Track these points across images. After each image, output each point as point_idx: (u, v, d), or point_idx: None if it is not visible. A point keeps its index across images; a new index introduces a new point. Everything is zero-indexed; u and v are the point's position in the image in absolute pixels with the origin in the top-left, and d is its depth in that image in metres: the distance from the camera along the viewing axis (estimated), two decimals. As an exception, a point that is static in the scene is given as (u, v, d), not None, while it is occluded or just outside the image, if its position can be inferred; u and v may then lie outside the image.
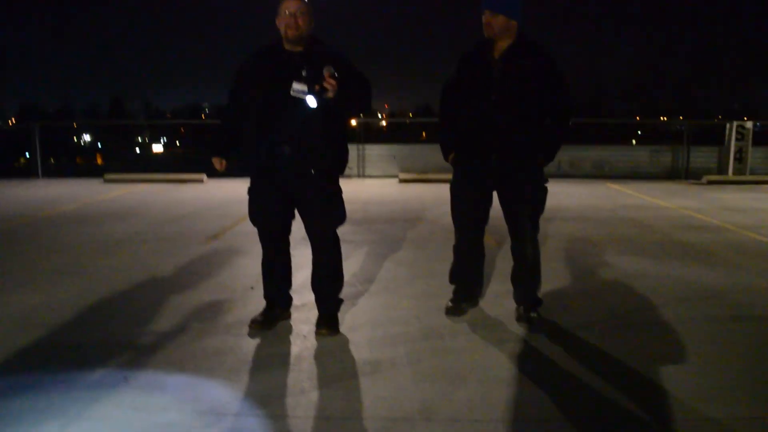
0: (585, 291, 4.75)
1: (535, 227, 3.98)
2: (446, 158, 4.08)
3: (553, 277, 4.93)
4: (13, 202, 9.70)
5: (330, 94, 3.36)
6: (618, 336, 3.83)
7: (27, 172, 14.33)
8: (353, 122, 13.36)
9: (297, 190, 3.68)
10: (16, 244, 6.53)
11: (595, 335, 3.81)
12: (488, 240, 4.40)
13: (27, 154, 16.57)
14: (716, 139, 13.68)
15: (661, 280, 5.00)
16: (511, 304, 4.16)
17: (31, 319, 4.08)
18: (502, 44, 3.81)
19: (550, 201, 4.02)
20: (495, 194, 3.98)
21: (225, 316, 4.15)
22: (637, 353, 3.54)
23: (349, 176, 12.70)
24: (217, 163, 3.93)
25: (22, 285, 4.89)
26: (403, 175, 12.43)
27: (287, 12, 3.54)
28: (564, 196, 9.76)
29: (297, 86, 3.42)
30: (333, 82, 3.34)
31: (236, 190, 10.23)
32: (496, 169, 3.85)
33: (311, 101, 3.41)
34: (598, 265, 5.47)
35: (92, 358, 3.45)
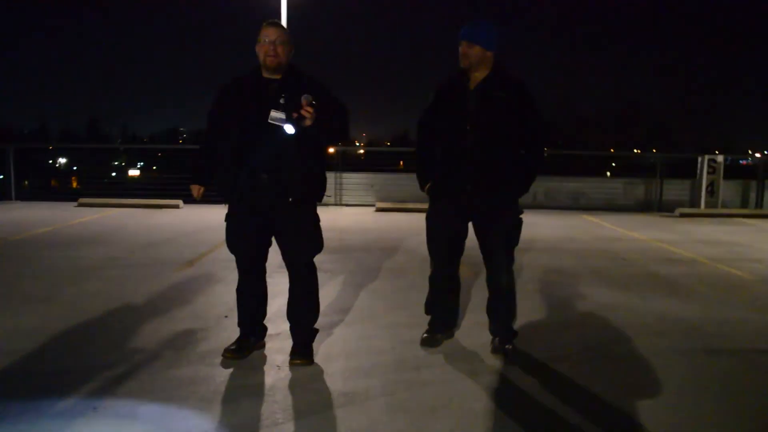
0: (560, 322, 4.78)
1: (510, 258, 4.01)
2: (422, 188, 4.11)
3: (528, 309, 4.95)
4: (-16, 225, 9.54)
5: (308, 122, 3.39)
6: (593, 368, 3.84)
7: (-1, 195, 14.15)
8: (331, 150, 13.39)
9: (275, 218, 3.67)
10: (-14, 268, 6.41)
11: (569, 367, 3.82)
12: (464, 270, 4.41)
13: (0, 176, 16.36)
14: (689, 172, 13.90)
15: (636, 313, 5.04)
16: (486, 336, 4.16)
17: (3, 346, 4.00)
18: (478, 75, 3.87)
19: (526, 232, 4.06)
20: (471, 225, 4.01)
21: (199, 344, 4.10)
22: (611, 385, 3.55)
23: (327, 204, 12.70)
24: (195, 191, 3.91)
25: (-9, 310, 4.80)
26: (380, 204, 12.45)
27: (267, 40, 3.57)
28: (540, 227, 9.84)
29: (275, 114, 3.45)
30: (310, 109, 3.37)
31: (212, 217, 10.18)
32: (471, 199, 3.88)
33: (289, 129, 3.43)
34: (574, 297, 5.50)
35: (62, 386, 3.39)
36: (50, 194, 15.24)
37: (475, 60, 3.83)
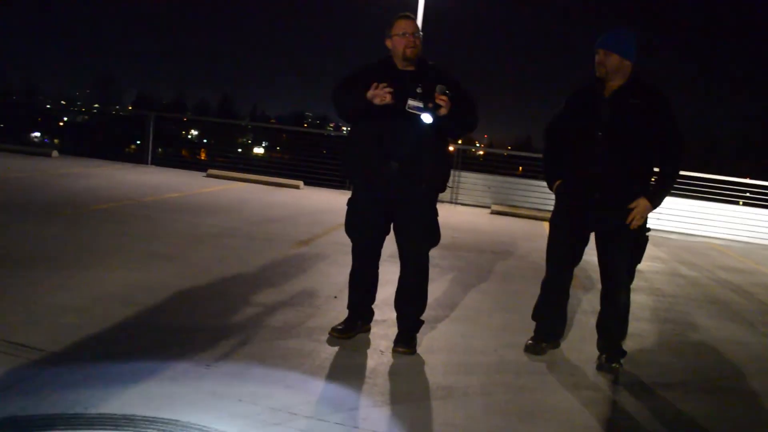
0: (672, 349, 4.59)
1: (630, 275, 3.89)
2: (550, 187, 4.05)
3: (639, 330, 4.79)
4: (122, 184, 10.24)
5: (443, 111, 3.45)
6: (701, 399, 3.68)
7: (137, 158, 15.09)
8: (450, 148, 13.39)
9: (398, 207, 3.75)
10: (121, 224, 6.89)
11: (677, 396, 3.68)
12: (576, 282, 4.32)
13: (138, 141, 17.45)
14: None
15: (754, 349, 4.77)
16: (593, 351, 4.07)
17: (128, 298, 4.31)
18: (614, 84, 3.78)
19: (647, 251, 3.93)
20: (593, 236, 3.93)
21: (308, 320, 4.25)
22: (718, 420, 3.40)
23: (442, 201, 12.72)
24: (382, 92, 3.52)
25: (122, 264, 5.17)
26: (495, 207, 12.35)
27: (406, 32, 3.66)
28: (659, 249, 9.45)
29: (412, 102, 3.51)
30: (444, 98, 3.43)
31: (330, 200, 10.45)
32: (597, 208, 3.80)
33: (426, 118, 3.49)
34: (689, 325, 5.26)
35: (179, 341, 3.63)
36: (180, 163, 16.07)
37: (612, 69, 3.73)
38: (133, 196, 8.99)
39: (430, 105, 3.46)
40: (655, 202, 3.75)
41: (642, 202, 3.72)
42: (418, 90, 3.57)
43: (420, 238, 3.82)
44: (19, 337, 3.42)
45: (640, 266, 3.97)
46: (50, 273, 4.68)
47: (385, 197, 3.74)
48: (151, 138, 14.39)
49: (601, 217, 3.82)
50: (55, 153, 13.61)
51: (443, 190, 3.85)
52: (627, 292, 3.91)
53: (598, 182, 3.77)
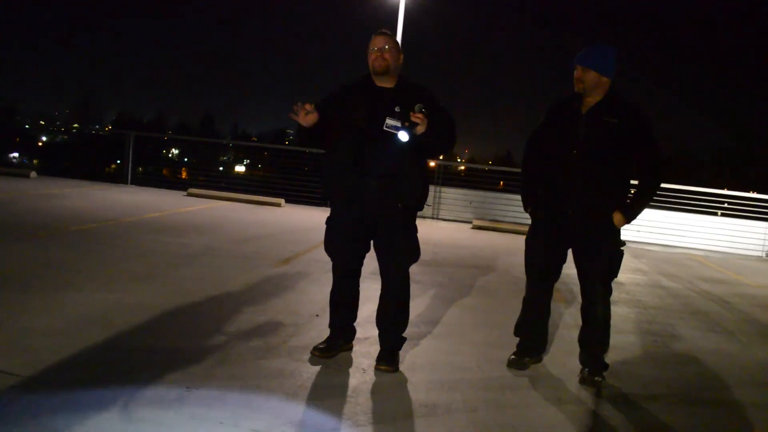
0: (654, 361, 4.60)
1: (608, 289, 3.90)
2: (526, 209, 4.07)
3: (621, 342, 4.80)
4: (101, 205, 10.15)
5: (420, 129, 3.46)
6: (684, 411, 3.69)
7: (117, 178, 14.98)
8: (432, 163, 13.41)
9: (377, 224, 3.74)
10: (99, 244, 6.81)
11: (661, 408, 3.68)
12: (557, 296, 4.33)
13: (119, 161, 17.34)
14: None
15: (736, 360, 4.79)
16: (575, 365, 4.07)
17: (106, 319, 4.24)
18: (591, 100, 3.81)
19: (625, 263, 3.94)
20: (570, 251, 3.94)
21: (289, 339, 4.21)
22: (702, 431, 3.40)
23: (423, 217, 12.73)
24: (303, 113, 3.54)
25: (100, 285, 5.11)
26: (476, 222, 12.38)
27: (375, 48, 3.70)
28: (639, 261, 9.51)
29: (390, 121, 3.52)
30: (421, 116, 3.44)
31: (311, 217, 10.43)
32: (572, 224, 3.82)
33: (403, 136, 3.51)
34: (671, 337, 5.29)
35: (159, 363, 3.57)
36: (161, 182, 15.98)
37: (590, 85, 3.76)
38: (112, 217, 8.90)
39: (407, 123, 3.48)
40: (630, 216, 3.78)
41: (616, 216, 3.74)
42: (396, 109, 3.57)
43: (400, 255, 3.81)
44: (-7, 363, 3.35)
45: (621, 279, 3.99)
46: (26, 295, 4.61)
47: (364, 215, 3.73)
48: (131, 157, 14.30)
49: (575, 234, 3.85)
50: (33, 174, 13.47)
51: (421, 208, 3.84)
52: (605, 305, 3.91)
53: (573, 198, 3.78)
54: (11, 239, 6.65)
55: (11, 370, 3.28)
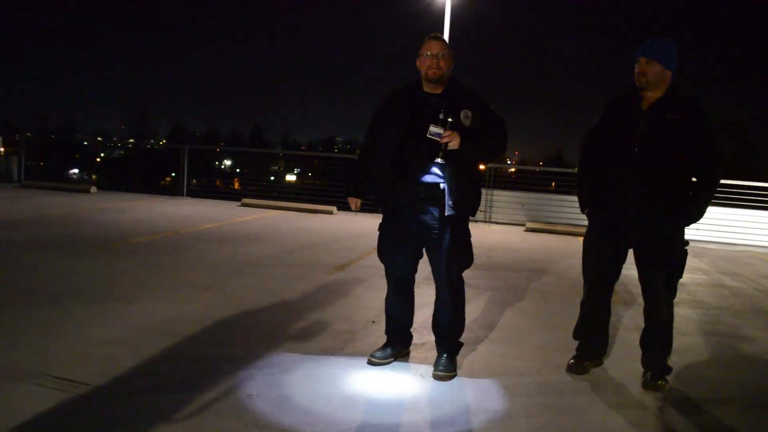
0: (720, 363, 4.46)
1: (672, 291, 3.80)
2: (582, 210, 4.00)
3: (685, 344, 4.68)
4: (159, 217, 10.40)
5: (453, 145, 3.48)
6: (752, 416, 3.57)
7: (172, 190, 15.34)
8: (482, 167, 13.32)
9: (428, 231, 3.73)
10: (160, 256, 6.99)
11: (728, 413, 3.57)
12: (617, 298, 4.25)
13: (173, 173, 17.77)
14: None
15: (807, 362, 4.62)
16: (637, 368, 3.98)
17: (168, 329, 4.35)
18: (652, 95, 3.71)
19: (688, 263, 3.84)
20: (631, 252, 3.86)
21: (346, 346, 4.24)
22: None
23: (475, 221, 12.66)
24: (353, 204, 4.06)
25: (162, 295, 5.23)
26: (530, 224, 12.24)
27: (429, 53, 3.65)
28: (700, 260, 9.26)
29: (434, 129, 3.51)
30: (451, 134, 3.47)
31: (363, 225, 10.47)
32: (633, 226, 3.74)
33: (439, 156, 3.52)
34: (736, 338, 5.13)
35: (219, 371, 3.64)
36: (215, 193, 16.29)
37: (653, 79, 3.67)
38: (170, 228, 9.11)
39: (443, 140, 3.48)
40: (692, 219, 3.69)
41: (680, 219, 3.66)
42: (441, 116, 3.55)
43: (452, 260, 3.78)
44: (62, 372, 3.47)
45: (682, 279, 3.89)
46: (92, 307, 4.75)
47: (411, 222, 3.73)
48: (185, 170, 14.61)
49: (638, 235, 3.76)
50: (93, 189, 13.91)
51: (473, 213, 3.82)
52: (670, 308, 3.82)
53: (635, 199, 3.70)
54: (74, 253, 6.87)
55: (80, 379, 3.40)
